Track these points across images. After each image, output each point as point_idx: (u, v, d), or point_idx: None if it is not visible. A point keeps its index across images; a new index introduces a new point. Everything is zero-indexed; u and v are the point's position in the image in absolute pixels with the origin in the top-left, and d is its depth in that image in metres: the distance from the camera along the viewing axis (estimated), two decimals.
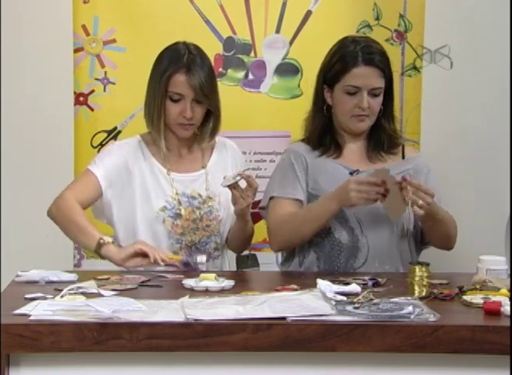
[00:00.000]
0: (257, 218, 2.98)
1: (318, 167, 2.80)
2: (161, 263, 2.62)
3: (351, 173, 2.78)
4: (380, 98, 2.76)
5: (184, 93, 2.74)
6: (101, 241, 2.65)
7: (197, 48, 2.82)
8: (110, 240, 2.67)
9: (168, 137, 2.82)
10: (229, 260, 2.96)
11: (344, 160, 2.82)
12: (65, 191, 2.78)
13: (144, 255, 2.62)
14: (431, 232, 2.79)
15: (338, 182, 2.72)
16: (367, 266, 2.72)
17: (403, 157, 2.84)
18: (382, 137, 2.82)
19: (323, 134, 2.82)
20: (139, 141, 2.85)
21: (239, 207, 2.68)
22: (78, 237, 2.74)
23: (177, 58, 2.75)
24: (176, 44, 2.82)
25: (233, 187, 2.64)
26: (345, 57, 2.74)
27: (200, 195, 2.83)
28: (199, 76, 2.73)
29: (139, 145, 2.84)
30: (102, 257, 2.69)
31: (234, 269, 2.90)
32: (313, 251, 2.78)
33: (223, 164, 2.90)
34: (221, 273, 2.55)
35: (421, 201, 2.56)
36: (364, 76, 2.72)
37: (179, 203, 2.80)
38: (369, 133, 2.83)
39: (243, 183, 2.65)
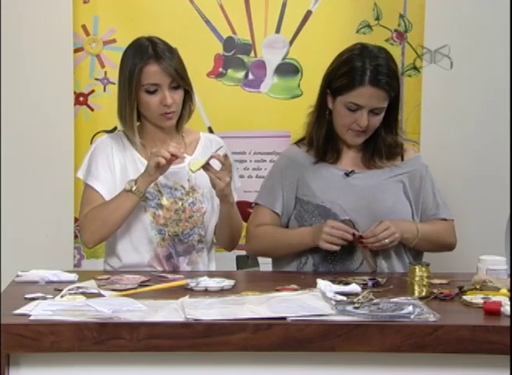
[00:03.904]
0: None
1: (313, 172, 2.79)
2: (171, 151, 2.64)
3: (347, 174, 2.77)
4: (380, 116, 2.72)
5: (160, 82, 2.73)
6: (130, 189, 2.67)
7: (159, 38, 2.80)
8: (130, 185, 2.68)
9: (147, 131, 2.81)
10: (217, 262, 2.94)
11: (341, 164, 2.81)
12: (83, 214, 2.78)
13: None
14: (423, 249, 2.80)
15: (332, 186, 2.75)
16: (364, 268, 2.71)
17: (402, 159, 2.84)
18: (382, 148, 2.79)
19: (326, 142, 2.80)
20: (119, 135, 2.85)
21: (218, 188, 2.68)
22: (120, 210, 2.71)
23: (142, 51, 2.74)
24: (138, 39, 2.81)
25: (207, 169, 2.64)
26: (352, 73, 2.67)
27: (182, 187, 2.82)
28: (170, 62, 2.73)
29: (120, 138, 2.84)
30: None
31: (219, 269, 2.88)
32: (309, 253, 2.77)
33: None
34: (220, 273, 2.55)
35: (386, 241, 2.63)
36: (368, 96, 2.67)
37: (160, 193, 2.79)
38: (367, 141, 2.80)
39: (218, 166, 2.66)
